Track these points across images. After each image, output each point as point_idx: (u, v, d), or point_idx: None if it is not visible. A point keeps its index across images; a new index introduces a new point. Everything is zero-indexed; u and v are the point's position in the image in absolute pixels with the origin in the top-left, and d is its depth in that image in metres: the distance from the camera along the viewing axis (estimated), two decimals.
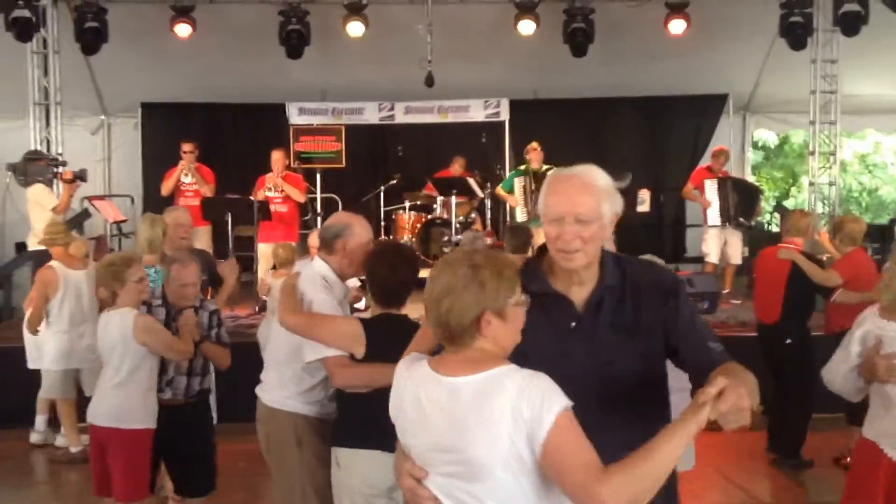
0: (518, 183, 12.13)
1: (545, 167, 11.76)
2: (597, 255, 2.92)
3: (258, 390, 4.77)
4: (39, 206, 10.03)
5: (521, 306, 2.60)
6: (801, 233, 7.72)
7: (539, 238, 11.27)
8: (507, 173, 13.04)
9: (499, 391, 2.41)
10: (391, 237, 12.43)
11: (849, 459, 6.48)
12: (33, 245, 10.03)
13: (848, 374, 4.37)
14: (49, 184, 10.56)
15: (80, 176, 10.93)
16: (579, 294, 2.91)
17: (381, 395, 2.89)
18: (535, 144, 12.10)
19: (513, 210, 12.68)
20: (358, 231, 4.50)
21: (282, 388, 4.59)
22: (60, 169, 10.78)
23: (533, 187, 11.73)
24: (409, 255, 4.46)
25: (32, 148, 11.96)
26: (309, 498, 4.49)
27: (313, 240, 7.85)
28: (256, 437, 4.78)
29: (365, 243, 4.49)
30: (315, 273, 4.47)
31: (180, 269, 5.61)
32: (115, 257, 5.75)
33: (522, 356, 2.57)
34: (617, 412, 2.76)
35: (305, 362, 4.30)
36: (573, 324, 2.87)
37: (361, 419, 3.97)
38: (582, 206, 2.84)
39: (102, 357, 5.53)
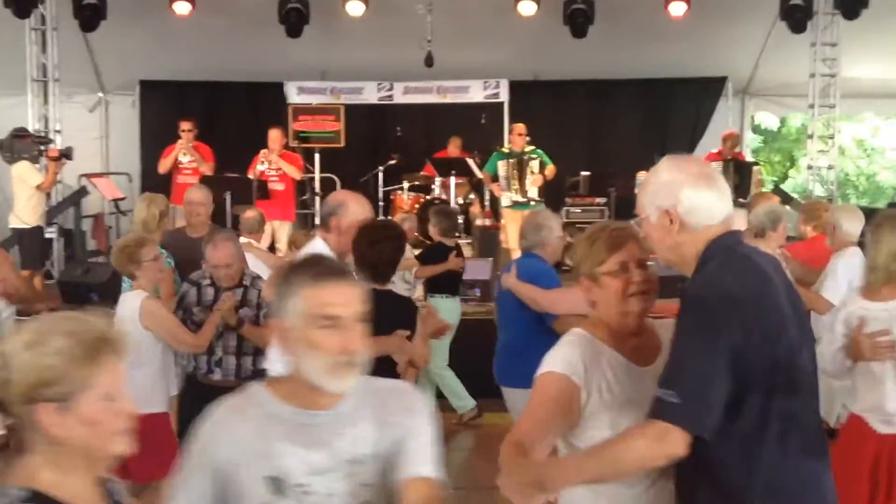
0: (501, 166, 11.78)
1: (528, 149, 11.65)
2: (671, 259, 2.88)
3: (266, 364, 4.78)
4: (24, 183, 10.01)
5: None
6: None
7: (514, 223, 11.18)
8: None
9: None
10: (389, 217, 12.42)
11: None
12: (16, 223, 10.03)
13: (835, 354, 4.48)
14: (35, 161, 10.51)
15: (66, 154, 10.94)
16: None
17: None
18: (519, 127, 11.77)
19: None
20: (353, 209, 4.55)
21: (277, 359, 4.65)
22: (46, 146, 10.75)
23: (515, 170, 11.57)
24: (391, 233, 4.52)
25: (31, 125, 11.95)
26: None
27: None
28: None
29: (359, 221, 4.51)
30: (311, 250, 4.51)
31: (211, 250, 5.48)
32: (127, 239, 5.70)
33: None
34: None
35: None
36: None
37: None
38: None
39: None
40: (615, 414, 2.76)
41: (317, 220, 12.78)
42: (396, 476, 2.40)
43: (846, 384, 6.04)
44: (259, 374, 5.43)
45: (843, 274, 6.24)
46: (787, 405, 2.65)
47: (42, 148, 10.63)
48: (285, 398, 2.43)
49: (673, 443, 2.52)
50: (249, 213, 8.54)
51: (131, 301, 5.38)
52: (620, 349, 2.87)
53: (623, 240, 2.89)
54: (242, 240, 7.14)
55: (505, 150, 11.95)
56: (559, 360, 2.84)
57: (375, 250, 4.36)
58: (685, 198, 2.74)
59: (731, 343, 2.56)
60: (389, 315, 4.12)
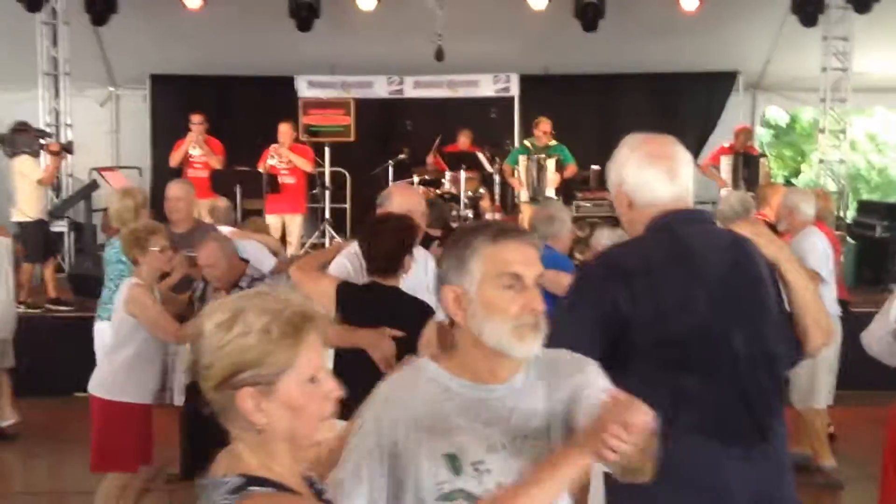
0: (522, 161, 11.82)
1: (552, 144, 11.67)
2: (632, 233, 2.95)
3: None
4: (25, 177, 10.06)
5: None
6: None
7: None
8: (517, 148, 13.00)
9: None
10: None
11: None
12: (17, 217, 10.08)
13: (884, 337, 4.45)
14: (36, 155, 10.55)
15: (67, 148, 11.02)
16: None
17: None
18: (544, 122, 11.79)
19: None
20: (397, 200, 4.65)
21: None
22: (47, 140, 10.78)
23: (534, 169, 11.56)
24: (395, 225, 4.37)
25: (42, 119, 12.00)
26: None
27: None
28: None
29: (402, 212, 4.55)
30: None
31: (199, 251, 5.51)
32: (139, 225, 5.61)
33: None
34: None
35: None
36: None
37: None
38: None
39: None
40: None
41: (327, 214, 12.84)
42: (577, 422, 2.23)
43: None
44: None
45: (822, 248, 6.68)
46: (678, 381, 2.66)
47: (43, 142, 10.65)
48: (457, 373, 2.30)
49: None
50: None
51: (125, 287, 5.36)
52: None
53: None
54: (226, 229, 7.14)
55: (528, 144, 11.95)
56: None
57: (375, 242, 4.30)
58: (629, 176, 2.88)
59: (611, 307, 2.63)
60: (383, 310, 4.15)
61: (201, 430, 5.18)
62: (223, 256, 5.47)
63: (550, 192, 11.45)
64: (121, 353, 5.32)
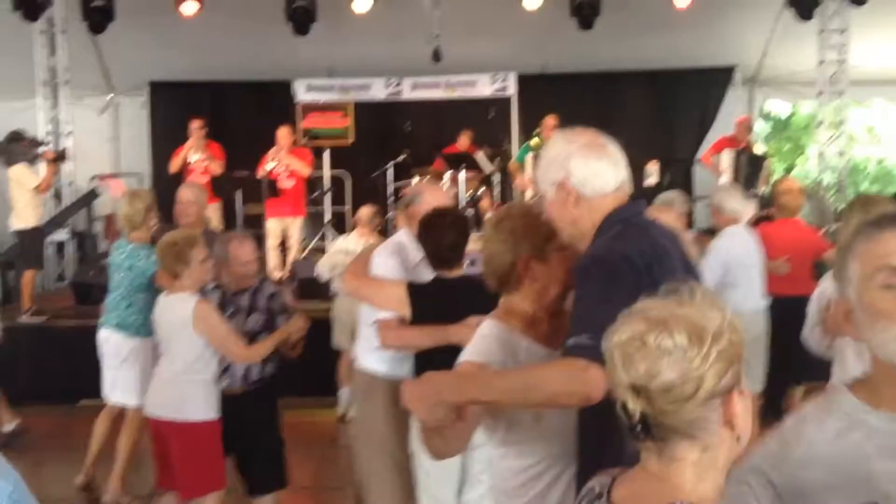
0: (528, 159, 11.82)
1: None
2: (574, 235, 2.82)
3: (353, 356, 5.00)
4: (21, 186, 10.11)
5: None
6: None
7: None
8: (517, 148, 13.00)
9: None
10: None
11: None
12: (15, 225, 10.13)
13: (811, 331, 4.69)
14: (32, 164, 10.59)
15: (62, 156, 11.09)
16: None
17: None
18: (550, 119, 11.71)
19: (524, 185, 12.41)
20: (427, 198, 4.71)
21: (362, 349, 4.79)
22: (42, 149, 10.83)
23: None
24: (451, 218, 4.48)
25: (42, 128, 12.04)
26: (388, 457, 4.65)
27: (362, 213, 9.03)
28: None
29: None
30: (394, 239, 4.80)
31: (238, 246, 5.25)
32: (177, 236, 5.23)
33: None
34: None
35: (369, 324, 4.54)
36: None
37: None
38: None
39: (161, 344, 5.27)
40: None
41: (327, 217, 12.86)
42: None
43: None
44: (266, 380, 5.29)
45: (724, 252, 6.67)
46: None
47: (38, 151, 10.70)
48: (873, 403, 1.89)
49: (593, 382, 2.36)
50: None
51: (182, 304, 5.05)
52: (536, 335, 2.84)
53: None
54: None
55: (534, 142, 11.93)
56: (475, 352, 2.80)
57: (438, 238, 4.38)
58: (575, 168, 2.74)
59: (632, 298, 2.52)
60: (456, 304, 4.13)
61: (232, 444, 5.14)
62: (256, 253, 5.44)
63: None
64: (192, 373, 5.06)
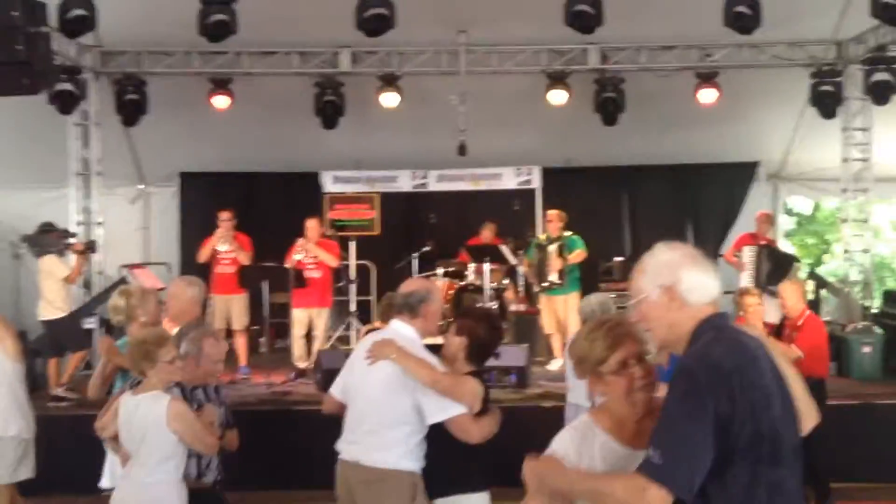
0: (535, 253, 11.91)
1: (566, 234, 11.65)
2: (668, 338, 3.01)
3: (356, 453, 4.82)
4: (51, 275, 10.30)
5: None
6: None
7: (547, 307, 11.39)
8: None
9: None
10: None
11: None
12: (45, 314, 10.29)
13: None
14: (61, 254, 10.80)
15: (91, 247, 11.33)
16: None
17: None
18: (551, 213, 11.80)
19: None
20: (436, 297, 5.08)
21: (390, 450, 4.74)
22: (72, 240, 11.06)
23: (537, 255, 11.66)
24: (498, 321, 5.14)
25: (73, 217, 12.22)
26: None
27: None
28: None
29: (441, 308, 5.09)
30: (408, 337, 4.89)
31: (213, 345, 5.24)
32: (146, 335, 5.18)
33: None
34: None
35: (428, 423, 4.67)
36: None
37: (468, 465, 4.70)
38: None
39: (126, 445, 5.06)
40: None
41: (352, 307, 12.89)
42: None
43: None
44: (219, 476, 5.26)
45: None
46: (773, 475, 2.76)
47: (68, 242, 10.92)
48: None
49: (650, 499, 2.65)
50: None
51: (152, 403, 4.93)
52: (620, 434, 3.10)
53: (621, 337, 3.10)
54: None
55: (541, 238, 12.00)
56: (558, 441, 3.18)
57: (493, 337, 4.91)
58: (686, 276, 2.95)
59: (717, 411, 2.68)
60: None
61: None
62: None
63: (554, 276, 11.43)
64: (162, 474, 4.93)
